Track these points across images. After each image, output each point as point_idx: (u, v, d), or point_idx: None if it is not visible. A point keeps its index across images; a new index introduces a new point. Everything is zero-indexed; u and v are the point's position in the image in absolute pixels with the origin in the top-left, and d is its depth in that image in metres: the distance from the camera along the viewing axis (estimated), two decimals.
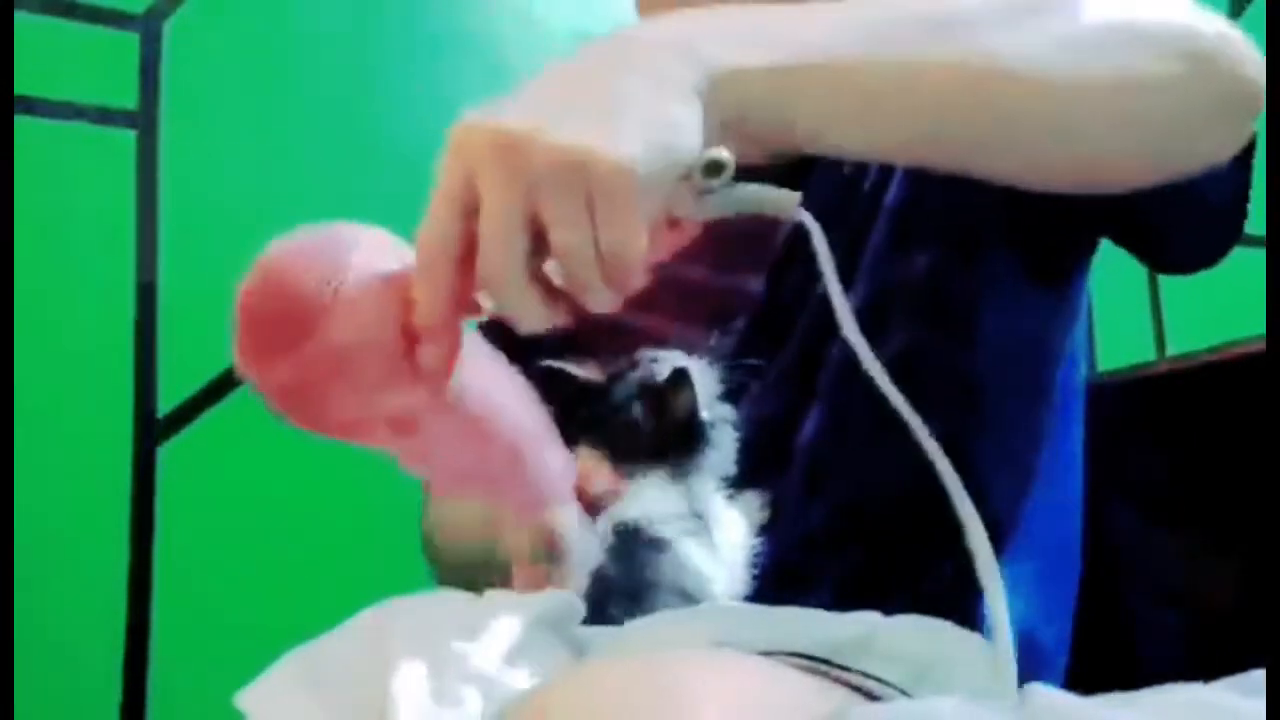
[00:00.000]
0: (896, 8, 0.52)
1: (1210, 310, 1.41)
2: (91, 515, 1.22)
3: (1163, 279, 1.73)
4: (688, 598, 0.63)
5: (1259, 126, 0.61)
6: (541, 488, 0.54)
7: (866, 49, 0.50)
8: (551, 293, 0.46)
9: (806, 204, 0.74)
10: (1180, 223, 0.68)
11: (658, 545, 0.63)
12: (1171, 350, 1.71)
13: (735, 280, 0.75)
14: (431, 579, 0.80)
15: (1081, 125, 0.53)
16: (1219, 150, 0.59)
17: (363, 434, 0.49)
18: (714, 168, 0.47)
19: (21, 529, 1.03)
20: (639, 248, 0.44)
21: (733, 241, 0.74)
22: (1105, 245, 0.74)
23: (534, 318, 0.46)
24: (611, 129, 0.43)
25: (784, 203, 0.50)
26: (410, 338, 0.46)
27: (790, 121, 0.49)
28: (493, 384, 0.52)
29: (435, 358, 0.46)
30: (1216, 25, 0.56)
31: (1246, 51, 0.57)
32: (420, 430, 0.49)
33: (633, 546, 0.63)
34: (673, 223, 0.47)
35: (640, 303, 0.80)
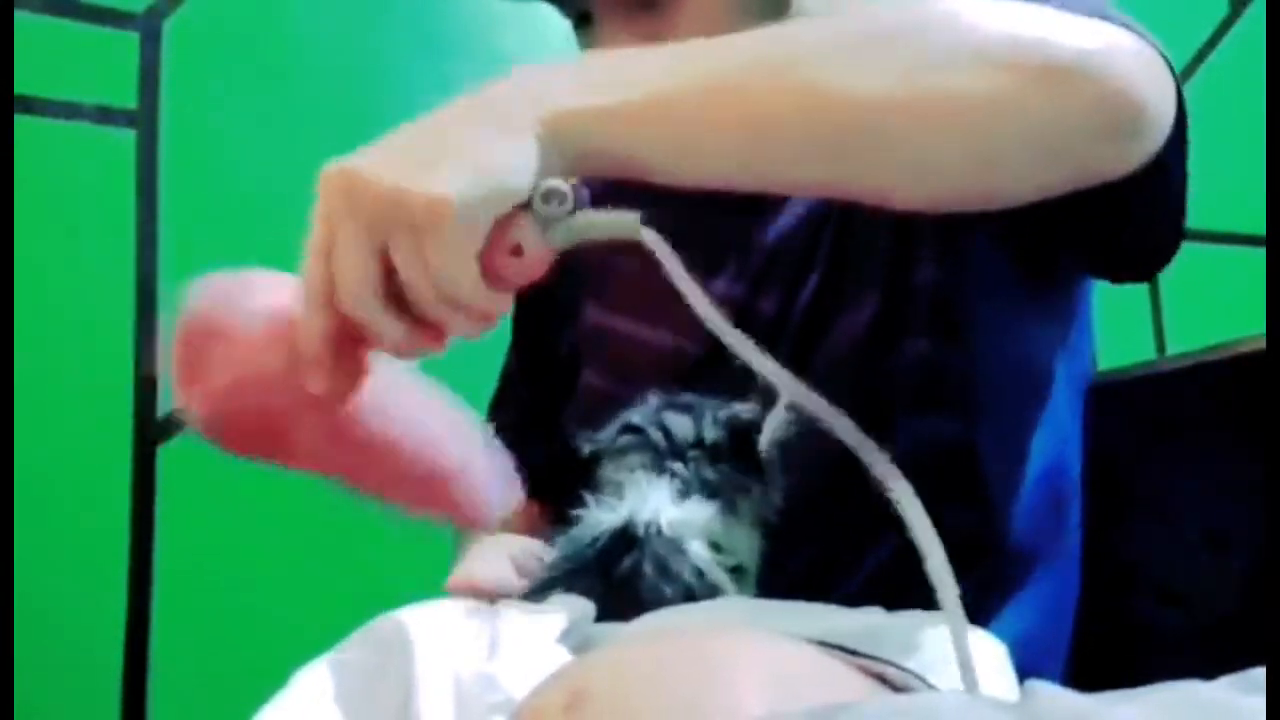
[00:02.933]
0: (733, 47, 0.54)
1: (1210, 310, 1.40)
2: (91, 515, 1.23)
3: (1163, 279, 1.73)
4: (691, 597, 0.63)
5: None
6: (476, 501, 0.57)
7: (696, 85, 0.52)
8: (413, 319, 0.50)
9: (805, 212, 0.75)
10: (1115, 233, 0.67)
11: (677, 547, 0.64)
12: (1171, 350, 1.71)
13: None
14: (430, 578, 0.80)
15: (919, 148, 0.53)
16: (1101, 166, 0.57)
17: (284, 458, 0.54)
18: (551, 197, 0.51)
19: (22, 529, 1.03)
20: (468, 275, 0.49)
21: (706, 246, 0.75)
22: None
23: (398, 341, 0.50)
24: (431, 170, 0.48)
25: (627, 225, 0.53)
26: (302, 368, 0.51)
27: (624, 156, 0.52)
28: (410, 406, 0.56)
29: (319, 385, 0.51)
30: (1087, 39, 0.54)
31: (1122, 65, 0.54)
32: (333, 452, 0.54)
33: (654, 543, 0.64)
34: (516, 251, 0.51)
35: (628, 310, 0.79)
